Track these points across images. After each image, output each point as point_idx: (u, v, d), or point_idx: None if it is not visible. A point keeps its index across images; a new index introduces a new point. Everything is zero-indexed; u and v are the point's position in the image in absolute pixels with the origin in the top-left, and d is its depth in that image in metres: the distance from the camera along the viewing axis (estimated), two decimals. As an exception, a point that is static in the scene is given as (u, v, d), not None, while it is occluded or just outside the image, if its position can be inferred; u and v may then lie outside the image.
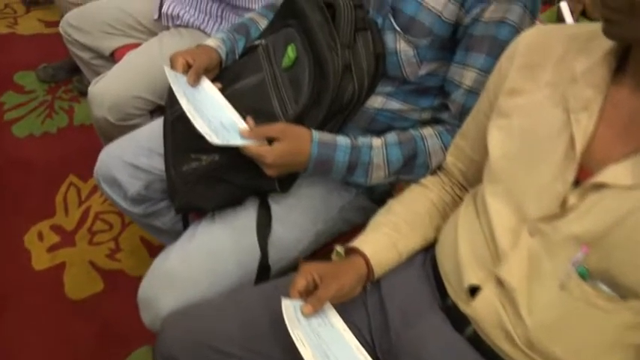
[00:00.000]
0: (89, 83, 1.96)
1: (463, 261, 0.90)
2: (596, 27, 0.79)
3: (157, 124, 1.32)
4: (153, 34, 1.78)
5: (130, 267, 1.79)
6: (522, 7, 1.00)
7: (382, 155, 1.10)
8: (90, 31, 1.80)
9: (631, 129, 0.77)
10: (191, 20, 1.68)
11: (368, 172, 1.10)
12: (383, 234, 1.01)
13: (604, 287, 0.76)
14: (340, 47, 1.05)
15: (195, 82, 1.14)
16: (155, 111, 1.65)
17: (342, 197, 1.22)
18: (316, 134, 1.06)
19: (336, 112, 1.08)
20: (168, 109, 1.22)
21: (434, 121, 1.16)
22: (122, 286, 1.73)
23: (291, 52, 1.12)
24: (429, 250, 1.04)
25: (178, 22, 1.69)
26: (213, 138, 0.99)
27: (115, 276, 1.77)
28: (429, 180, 1.09)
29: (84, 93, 2.33)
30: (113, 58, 1.81)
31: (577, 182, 0.78)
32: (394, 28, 1.07)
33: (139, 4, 1.81)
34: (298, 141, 1.04)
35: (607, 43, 0.79)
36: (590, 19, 2.03)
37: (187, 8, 1.68)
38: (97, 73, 1.89)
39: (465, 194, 1.06)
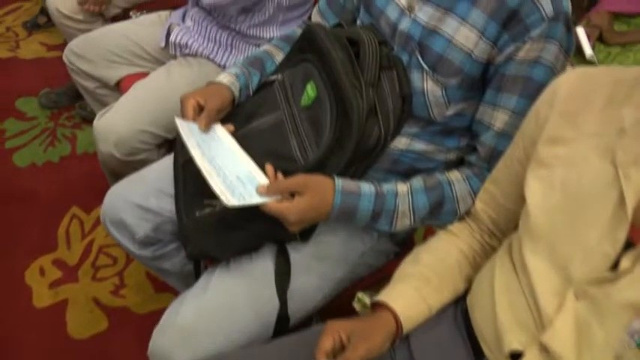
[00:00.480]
0: (92, 110, 1.92)
1: (502, 323, 0.83)
2: None
3: (166, 163, 1.26)
4: (160, 62, 1.73)
5: (136, 304, 1.73)
6: (558, 46, 0.95)
7: (408, 202, 1.03)
8: (94, 59, 1.75)
9: None
10: (200, 49, 1.63)
11: (393, 219, 1.04)
12: (412, 287, 0.94)
13: None
14: (365, 87, 1.00)
15: (207, 127, 1.08)
16: (162, 145, 1.60)
17: (364, 242, 1.16)
18: (339, 182, 1.00)
19: (359, 156, 1.02)
20: (178, 150, 1.16)
21: (461, 163, 1.10)
22: (127, 325, 1.67)
23: (310, 90, 1.07)
24: (459, 302, 0.98)
25: (187, 51, 1.64)
26: (230, 198, 0.93)
27: (120, 313, 1.70)
28: (457, 227, 1.03)
29: (87, 119, 2.28)
30: (118, 87, 1.76)
31: (629, 243, 0.72)
32: (421, 67, 1.02)
33: (145, 32, 1.77)
34: (321, 193, 0.98)
35: None
36: (608, 44, 1.98)
37: (196, 37, 1.63)
38: (102, 103, 1.85)
39: (495, 241, 1.01)
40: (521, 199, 0.87)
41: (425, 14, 1.01)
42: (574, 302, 0.76)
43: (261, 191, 0.96)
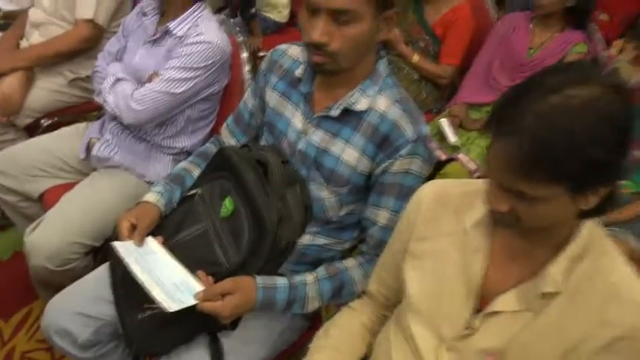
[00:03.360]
0: (7, 216, 1.99)
1: None
2: (480, 183, 1.05)
3: (101, 272, 1.42)
4: (81, 173, 1.88)
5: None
6: (421, 159, 1.24)
7: (315, 289, 1.28)
8: (16, 175, 1.86)
9: (512, 266, 1.01)
10: (120, 161, 1.80)
11: (304, 304, 1.28)
12: (327, 357, 1.18)
13: None
14: (274, 201, 1.24)
15: (141, 242, 1.28)
16: (89, 252, 1.72)
17: (282, 322, 1.37)
18: (260, 280, 1.23)
19: (274, 256, 1.25)
20: (114, 264, 1.34)
21: (353, 251, 1.36)
22: None
23: (228, 203, 1.30)
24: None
25: (108, 164, 1.81)
26: (171, 304, 1.13)
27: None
28: (357, 304, 1.29)
29: (1, 227, 2.34)
30: (42, 199, 1.87)
31: (479, 309, 1.01)
32: (318, 180, 1.28)
33: (64, 144, 1.91)
34: (246, 292, 1.21)
35: None
36: (468, 130, 2.38)
37: (116, 149, 1.81)
38: (23, 215, 1.94)
39: (388, 312, 1.26)
40: (403, 280, 1.13)
41: (317, 137, 1.29)
42: (446, 354, 1.03)
43: (198, 298, 1.17)
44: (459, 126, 2.37)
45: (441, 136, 2.33)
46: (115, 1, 2.21)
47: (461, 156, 2.21)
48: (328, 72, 1.21)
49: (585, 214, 0.91)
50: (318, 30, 1.13)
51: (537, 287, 0.96)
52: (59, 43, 2.17)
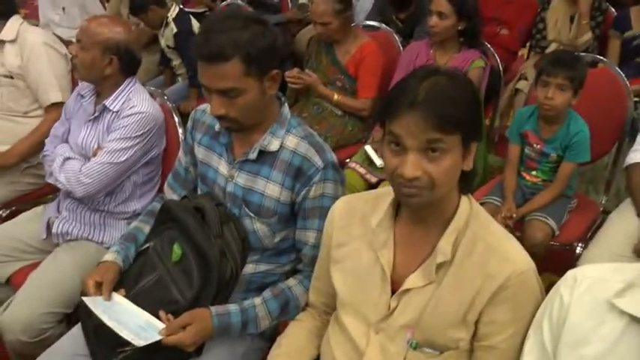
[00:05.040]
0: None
1: None
2: (379, 191, 1.29)
3: (75, 331, 1.57)
4: (45, 252, 2.01)
5: None
6: (333, 182, 1.46)
7: (264, 309, 1.48)
8: (-19, 263, 1.99)
9: (415, 250, 1.23)
10: (79, 233, 1.98)
11: (257, 324, 1.48)
12: None
13: (429, 350, 1.20)
14: (214, 239, 1.44)
15: (109, 296, 1.46)
16: (62, 319, 1.85)
17: (243, 345, 1.54)
18: (214, 309, 1.42)
19: (222, 287, 1.44)
20: (85, 320, 1.50)
21: (294, 272, 1.57)
22: None
23: (177, 249, 1.49)
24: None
25: (68, 238, 1.98)
26: (139, 341, 1.31)
27: None
28: (302, 315, 1.49)
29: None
30: (10, 282, 1.99)
31: (394, 292, 1.22)
32: (249, 215, 1.49)
33: (26, 228, 2.06)
34: (203, 320, 1.40)
35: (386, 201, 1.25)
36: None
37: (74, 224, 1.98)
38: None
39: (330, 317, 1.45)
40: (333, 284, 1.34)
41: (241, 179, 1.50)
42: (375, 336, 1.24)
43: (162, 333, 1.35)
44: (384, 149, 2.61)
45: (369, 162, 2.57)
46: (67, 75, 2.41)
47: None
48: (238, 130, 1.45)
49: (463, 187, 1.18)
50: (215, 105, 1.38)
51: (433, 261, 1.17)
52: (40, 130, 2.36)
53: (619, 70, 2.54)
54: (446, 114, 1.05)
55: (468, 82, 1.17)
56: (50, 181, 2.01)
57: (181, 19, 3.48)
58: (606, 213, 2.31)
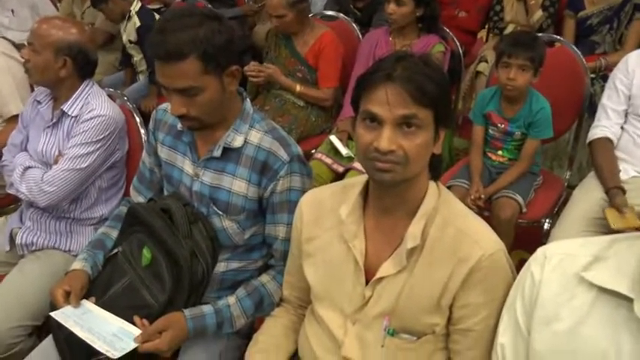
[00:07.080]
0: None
1: (316, 353, 1.29)
2: (347, 182, 1.29)
3: (46, 344, 1.53)
4: (10, 264, 1.96)
5: None
6: (300, 175, 1.45)
7: (239, 308, 1.47)
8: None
9: (385, 239, 1.23)
10: (45, 243, 1.93)
11: (232, 323, 1.47)
12: (259, 359, 1.36)
13: (406, 336, 1.21)
14: (183, 240, 1.42)
15: (78, 304, 1.43)
16: (32, 332, 1.80)
17: (219, 344, 1.53)
18: (188, 312, 1.41)
19: (194, 288, 1.43)
20: (56, 331, 1.46)
21: (267, 267, 1.56)
22: None
23: (146, 253, 1.47)
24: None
25: (33, 248, 1.93)
26: (114, 353, 1.28)
27: None
28: (277, 311, 1.48)
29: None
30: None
31: (367, 281, 1.22)
32: (217, 213, 1.47)
33: (-14, 242, 2.01)
34: (178, 325, 1.38)
35: (355, 191, 1.25)
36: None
37: (39, 233, 1.93)
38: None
39: (305, 311, 1.45)
40: (306, 278, 1.33)
41: (207, 177, 1.48)
42: (352, 326, 1.24)
43: (137, 341, 1.33)
44: (348, 138, 2.62)
45: (335, 151, 2.57)
46: (25, 84, 2.36)
47: (356, 164, 2.45)
48: (200, 129, 1.43)
49: (432, 174, 1.20)
50: (175, 105, 1.36)
51: (404, 247, 1.18)
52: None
53: (575, 49, 2.59)
54: (422, 87, 1.08)
55: (439, 65, 1.19)
56: (11, 191, 1.96)
57: (145, 12, 3.41)
58: (571, 188, 2.36)
